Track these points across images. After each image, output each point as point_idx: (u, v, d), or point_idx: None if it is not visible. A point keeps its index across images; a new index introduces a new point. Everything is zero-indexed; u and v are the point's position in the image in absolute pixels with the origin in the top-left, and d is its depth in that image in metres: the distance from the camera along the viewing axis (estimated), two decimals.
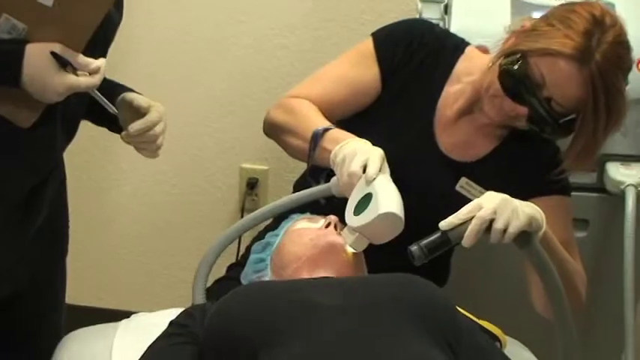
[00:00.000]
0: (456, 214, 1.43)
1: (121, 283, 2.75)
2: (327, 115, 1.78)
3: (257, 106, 2.43)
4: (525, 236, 1.44)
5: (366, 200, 1.50)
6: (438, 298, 1.40)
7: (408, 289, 1.39)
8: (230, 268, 1.95)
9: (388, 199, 1.48)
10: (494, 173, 1.79)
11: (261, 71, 2.48)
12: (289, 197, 1.71)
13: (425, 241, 1.42)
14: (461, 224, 1.42)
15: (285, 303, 1.34)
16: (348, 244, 1.52)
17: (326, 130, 1.70)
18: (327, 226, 1.57)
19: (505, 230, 1.42)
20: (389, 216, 1.46)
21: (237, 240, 2.10)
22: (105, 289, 2.76)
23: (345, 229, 1.54)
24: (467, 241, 1.42)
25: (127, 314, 1.78)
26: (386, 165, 1.56)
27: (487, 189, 1.55)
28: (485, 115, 1.74)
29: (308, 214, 1.68)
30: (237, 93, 2.51)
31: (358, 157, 1.55)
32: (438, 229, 1.44)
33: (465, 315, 1.51)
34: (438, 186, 1.79)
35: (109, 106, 1.54)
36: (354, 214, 1.51)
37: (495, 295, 2.24)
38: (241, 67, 2.49)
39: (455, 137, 1.82)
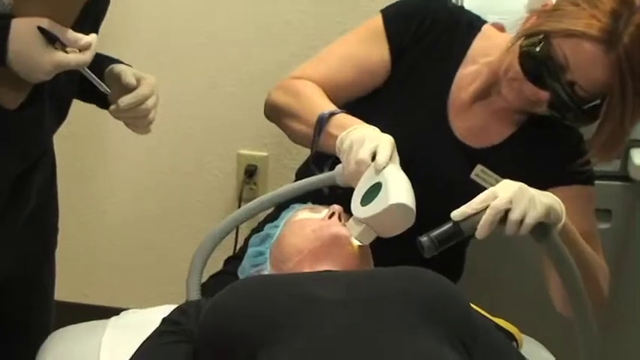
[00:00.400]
0: (468, 203, 1.43)
1: (110, 277, 2.76)
2: (333, 98, 1.78)
3: (256, 86, 2.43)
4: (543, 228, 1.44)
5: (374, 190, 1.49)
6: (450, 293, 1.41)
7: (418, 283, 1.39)
8: (227, 261, 1.96)
9: (399, 189, 1.48)
10: (511, 161, 1.79)
11: (262, 49, 2.48)
12: (290, 186, 1.71)
13: (435, 232, 1.42)
14: (474, 214, 1.42)
15: (285, 297, 1.34)
16: (354, 236, 1.52)
17: (332, 114, 1.70)
18: (331, 216, 1.57)
19: (522, 221, 1.42)
20: (400, 207, 1.46)
21: (235, 232, 2.11)
22: (93, 284, 2.77)
23: (351, 220, 1.53)
24: (480, 232, 1.42)
25: (116, 311, 1.78)
26: (396, 154, 1.56)
27: (503, 177, 1.55)
28: (503, 99, 1.73)
29: (310, 204, 1.69)
30: (235, 72, 2.51)
31: (367, 143, 1.55)
32: (449, 219, 1.44)
33: (478, 312, 1.51)
34: (451, 173, 1.79)
35: (100, 86, 1.54)
36: (361, 205, 1.51)
37: (511, 290, 2.25)
38: (239, 44, 2.49)
39: (470, 122, 1.82)
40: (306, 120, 1.74)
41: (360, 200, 1.52)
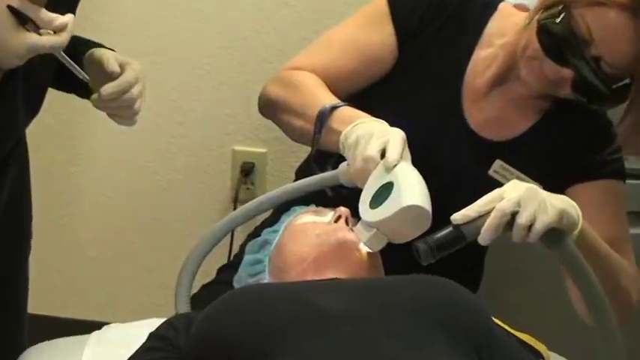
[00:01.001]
0: (471, 205, 1.42)
1: (91, 288, 2.75)
2: (335, 89, 1.78)
3: (254, 76, 2.43)
4: (555, 234, 1.43)
5: (385, 191, 1.49)
6: (464, 299, 1.41)
7: (429, 291, 1.39)
8: (220, 270, 1.96)
9: (413, 189, 1.47)
10: (533, 154, 1.80)
11: (259, 35, 2.48)
12: (290, 186, 1.71)
13: (434, 237, 1.41)
14: (477, 217, 1.41)
15: (285, 305, 1.34)
16: (363, 242, 1.51)
17: (334, 107, 1.70)
18: (337, 220, 1.57)
19: (531, 226, 1.41)
20: (414, 210, 1.45)
21: (229, 237, 2.11)
22: (71, 295, 2.77)
23: (359, 225, 1.53)
24: (484, 237, 1.40)
25: (98, 325, 1.79)
26: (408, 150, 1.55)
27: (525, 173, 1.55)
28: (522, 83, 1.74)
29: (313, 207, 1.68)
30: (231, 61, 2.51)
31: (375, 139, 1.55)
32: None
33: (499, 326, 1.51)
34: (467, 170, 1.79)
35: (78, 72, 1.53)
36: (371, 207, 1.50)
37: (537, 302, 2.24)
38: (236, 30, 2.49)
39: (486, 112, 1.82)
40: (305, 115, 1.74)
41: (369, 202, 1.51)
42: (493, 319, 1.46)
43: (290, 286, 1.43)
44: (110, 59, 1.58)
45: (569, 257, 1.44)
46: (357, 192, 1.56)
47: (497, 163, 1.79)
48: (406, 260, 1.51)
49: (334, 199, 1.66)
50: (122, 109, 1.61)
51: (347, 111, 1.69)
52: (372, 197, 1.51)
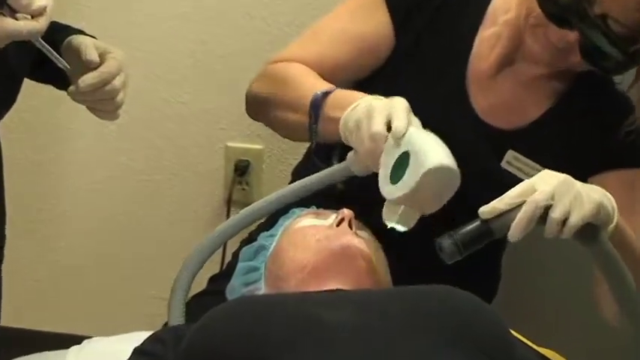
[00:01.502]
0: (500, 197, 1.41)
1: (70, 299, 2.76)
2: (329, 81, 1.77)
3: (248, 65, 2.42)
4: (591, 230, 1.42)
5: (403, 162, 1.47)
6: (477, 310, 1.40)
7: (434, 300, 1.39)
8: (212, 279, 1.96)
9: (432, 150, 1.47)
10: (548, 143, 1.80)
11: (254, 20, 2.48)
12: (299, 183, 1.68)
13: (459, 232, 1.40)
14: (507, 211, 1.40)
15: (283, 315, 1.35)
16: (394, 222, 1.49)
17: (327, 93, 1.69)
18: (340, 223, 1.56)
19: (565, 221, 1.40)
20: (440, 170, 1.44)
21: None
22: (49, 307, 2.77)
23: (385, 207, 1.51)
24: (514, 232, 1.39)
25: (77, 339, 1.79)
26: (414, 117, 1.54)
27: (540, 164, 1.54)
28: (531, 61, 1.74)
29: (313, 208, 1.68)
30: (223, 49, 2.51)
31: (378, 114, 1.53)
32: (476, 216, 1.41)
33: (517, 339, 1.51)
34: (475, 162, 1.76)
35: (57, 60, 1.53)
36: (392, 183, 1.49)
37: (560, 314, 2.24)
38: (228, 15, 2.49)
39: (494, 97, 1.82)
40: (300, 107, 1.73)
41: (388, 179, 1.50)
42: (511, 331, 1.46)
43: (288, 298, 1.43)
44: (89, 47, 1.58)
45: (604, 255, 1.44)
46: (360, 190, 1.56)
47: (510, 154, 1.79)
48: (415, 268, 1.53)
49: (335, 200, 1.65)
50: (103, 102, 1.61)
51: (341, 94, 1.68)
52: (391, 173, 1.50)
